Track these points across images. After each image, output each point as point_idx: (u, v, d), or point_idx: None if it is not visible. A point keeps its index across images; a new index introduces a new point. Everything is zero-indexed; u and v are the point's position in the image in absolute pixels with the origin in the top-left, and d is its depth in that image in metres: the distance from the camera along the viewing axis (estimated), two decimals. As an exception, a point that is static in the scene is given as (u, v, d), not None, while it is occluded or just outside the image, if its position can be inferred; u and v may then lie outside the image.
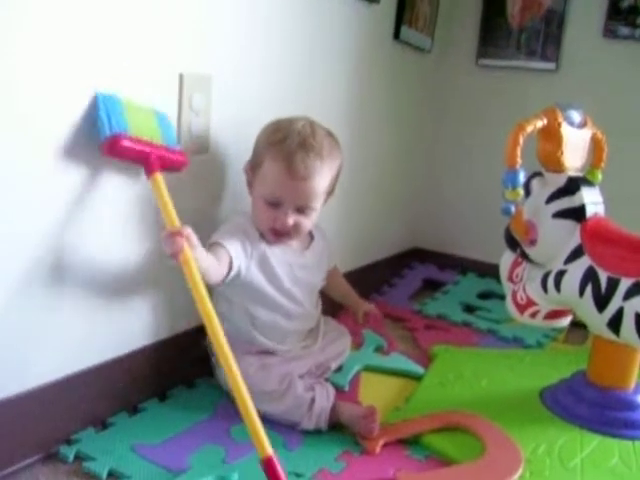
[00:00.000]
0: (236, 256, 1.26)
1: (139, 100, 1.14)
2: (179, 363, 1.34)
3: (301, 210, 1.31)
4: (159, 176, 1.12)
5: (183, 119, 1.24)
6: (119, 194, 1.16)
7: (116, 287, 1.19)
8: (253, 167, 1.34)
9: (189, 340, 1.34)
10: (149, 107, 1.17)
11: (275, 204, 1.29)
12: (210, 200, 1.37)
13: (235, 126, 1.38)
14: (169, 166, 1.17)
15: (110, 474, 1.06)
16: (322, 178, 1.31)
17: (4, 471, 1.04)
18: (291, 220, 1.30)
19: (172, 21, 1.18)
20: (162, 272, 1.26)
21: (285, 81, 1.52)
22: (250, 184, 1.36)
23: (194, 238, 1.08)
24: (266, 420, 1.21)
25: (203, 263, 1.12)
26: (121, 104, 1.10)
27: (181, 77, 1.22)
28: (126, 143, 1.07)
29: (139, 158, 1.11)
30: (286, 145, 1.27)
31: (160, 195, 1.11)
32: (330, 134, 1.36)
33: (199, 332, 1.34)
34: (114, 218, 1.16)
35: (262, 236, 1.34)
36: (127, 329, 1.24)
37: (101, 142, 1.06)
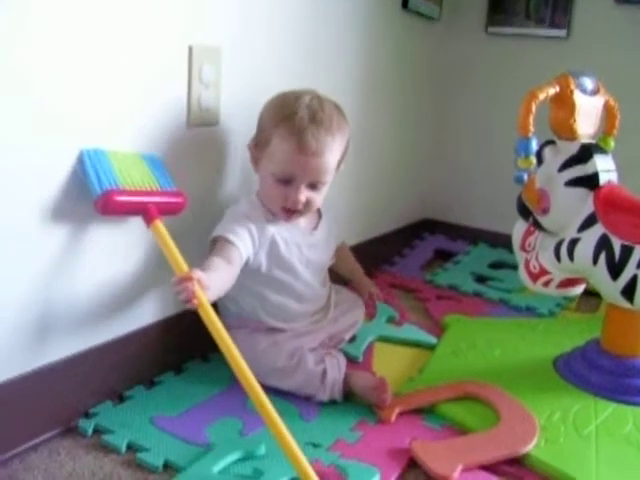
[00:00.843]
0: (245, 250, 1.25)
1: (149, 77, 1.14)
2: (194, 337, 1.34)
3: (313, 186, 1.30)
4: (159, 223, 1.10)
5: (193, 92, 1.23)
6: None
7: (128, 263, 1.20)
8: (259, 144, 1.31)
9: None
10: (135, 153, 1.15)
11: (286, 181, 1.28)
12: (220, 172, 1.37)
13: (244, 98, 1.37)
14: (168, 211, 1.15)
15: (129, 447, 1.07)
16: (333, 153, 1.30)
17: (25, 445, 1.05)
18: (303, 197, 1.28)
19: (180, -7, 1.17)
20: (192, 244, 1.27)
21: (293, 52, 1.50)
22: (256, 161, 1.34)
23: (205, 279, 1.06)
24: (281, 393, 1.22)
25: (221, 285, 1.15)
26: (108, 157, 1.07)
27: (190, 49, 1.21)
28: (120, 198, 1.05)
29: (136, 210, 1.09)
30: (296, 121, 1.25)
31: (164, 243, 1.09)
32: (337, 107, 1.34)
33: (214, 305, 1.36)
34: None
35: (269, 217, 1.33)
36: (142, 304, 1.24)
37: (94, 201, 1.04)
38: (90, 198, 1.05)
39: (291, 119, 1.25)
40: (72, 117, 1.03)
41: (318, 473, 0.96)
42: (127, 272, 1.20)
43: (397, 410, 1.22)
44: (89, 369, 1.15)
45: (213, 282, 1.09)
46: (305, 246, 1.38)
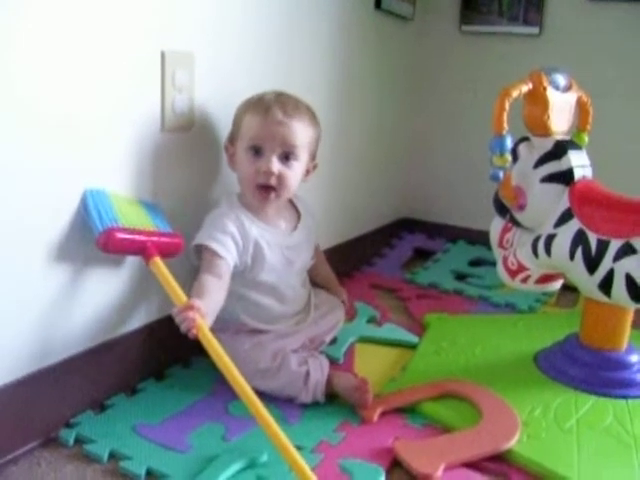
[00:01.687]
0: (232, 258, 1.27)
1: (122, 84, 1.13)
2: (174, 343, 1.33)
3: (284, 158, 1.31)
4: (158, 260, 1.14)
5: (166, 97, 1.23)
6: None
7: (107, 269, 1.19)
8: (233, 137, 1.35)
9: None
10: (136, 199, 1.21)
11: (257, 150, 1.30)
12: (197, 177, 1.36)
13: (218, 102, 1.36)
14: (166, 251, 1.18)
15: (111, 455, 1.06)
16: (301, 127, 1.32)
17: (5, 457, 1.04)
18: (275, 167, 1.29)
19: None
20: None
21: (266, 55, 1.50)
22: (232, 157, 1.35)
23: (203, 307, 1.10)
24: (264, 395, 1.22)
25: (216, 306, 1.20)
26: (109, 198, 1.13)
27: (163, 55, 1.21)
28: (121, 235, 1.09)
29: (136, 248, 1.13)
30: (264, 101, 1.31)
31: (164, 278, 1.13)
32: (307, 104, 1.38)
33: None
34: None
35: (250, 217, 1.33)
36: (122, 312, 1.23)
37: (95, 238, 1.08)
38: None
39: (258, 100, 1.32)
40: (46, 125, 1.03)
41: (322, 475, 0.96)
42: (109, 282, 1.19)
43: (379, 410, 1.22)
44: (69, 378, 1.13)
45: (211, 307, 1.16)
46: (286, 247, 1.38)
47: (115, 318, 1.22)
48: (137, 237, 1.12)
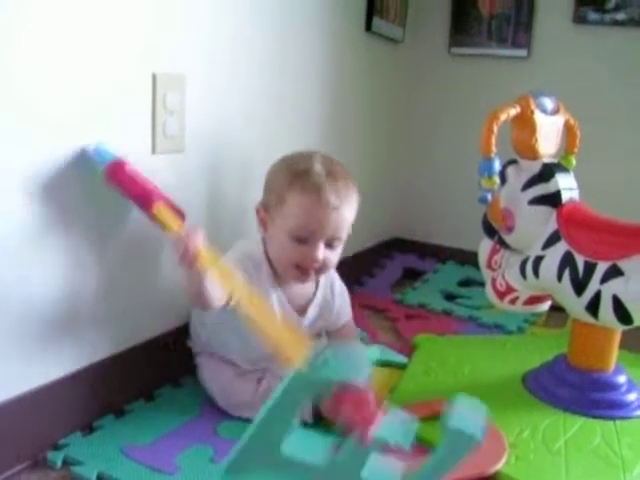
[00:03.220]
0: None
1: (113, 106, 1.14)
2: (165, 362, 1.34)
3: (330, 243, 1.26)
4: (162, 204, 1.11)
5: (157, 119, 1.24)
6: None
7: (97, 290, 1.19)
8: (270, 206, 1.27)
9: (173, 340, 1.34)
10: None
11: (304, 239, 1.23)
12: (189, 200, 1.36)
13: (210, 125, 1.37)
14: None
15: (99, 478, 1.06)
16: (350, 206, 1.27)
17: (-8, 481, 1.04)
18: (321, 254, 1.24)
19: (143, 21, 1.17)
20: (145, 273, 1.27)
21: (258, 79, 1.51)
22: (265, 224, 1.29)
23: (202, 235, 1.05)
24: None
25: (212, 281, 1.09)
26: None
27: (154, 77, 1.22)
28: (129, 167, 1.09)
29: (141, 190, 1.11)
30: (313, 176, 1.23)
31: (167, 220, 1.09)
32: (347, 170, 1.32)
33: (182, 332, 1.36)
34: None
35: (274, 281, 1.28)
36: (110, 332, 1.23)
37: (104, 169, 1.08)
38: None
39: (306, 175, 1.23)
40: (28, 138, 1.03)
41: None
42: (90, 301, 1.19)
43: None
44: (57, 400, 1.13)
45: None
46: (298, 310, 1.34)
47: (104, 339, 1.22)
48: (143, 180, 1.11)
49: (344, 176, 1.27)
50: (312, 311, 1.37)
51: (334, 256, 1.28)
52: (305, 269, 1.26)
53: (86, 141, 1.10)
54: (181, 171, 1.32)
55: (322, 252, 1.24)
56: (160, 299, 1.31)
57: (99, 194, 1.13)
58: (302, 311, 1.35)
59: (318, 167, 1.24)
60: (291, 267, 1.26)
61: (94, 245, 1.15)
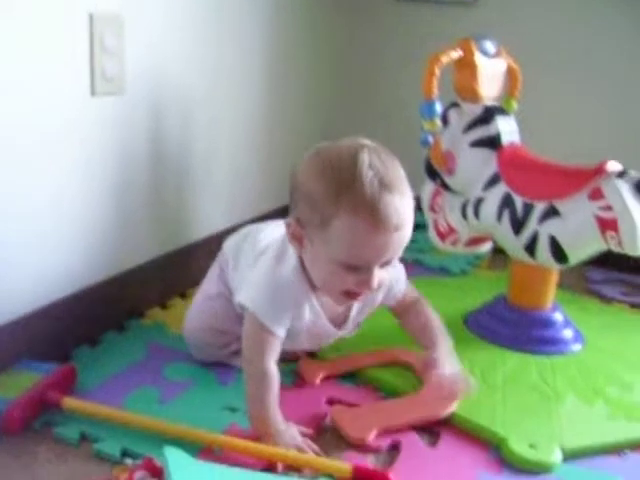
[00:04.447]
0: (281, 338, 1.08)
1: (49, 48, 1.11)
2: (108, 307, 1.34)
3: (386, 265, 1.03)
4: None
5: (95, 61, 1.21)
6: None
7: (40, 231, 1.18)
8: (306, 223, 1.01)
9: (116, 286, 1.35)
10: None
11: (358, 267, 1.00)
12: (130, 140, 1.35)
13: (150, 67, 1.35)
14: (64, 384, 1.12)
15: (43, 424, 1.06)
16: (411, 218, 1.02)
17: None
18: (377, 281, 1.02)
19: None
20: (95, 218, 1.26)
21: (195, 19, 1.47)
22: (300, 240, 1.04)
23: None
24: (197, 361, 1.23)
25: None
26: None
27: (91, 17, 1.19)
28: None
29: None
30: (365, 187, 0.96)
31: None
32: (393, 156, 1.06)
33: (126, 277, 1.36)
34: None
35: (311, 294, 1.10)
36: (51, 279, 1.22)
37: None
38: None
39: (355, 186, 0.96)
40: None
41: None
42: (35, 244, 1.18)
43: (322, 375, 1.23)
44: (2, 345, 1.12)
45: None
46: (329, 334, 1.20)
47: (48, 285, 1.21)
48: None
49: (399, 178, 1.01)
50: (351, 320, 1.21)
51: (387, 274, 1.07)
52: (355, 294, 1.06)
53: (24, 83, 1.08)
54: (122, 113, 1.30)
55: (378, 278, 1.02)
56: (101, 246, 1.31)
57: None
58: (338, 317, 1.18)
59: (368, 173, 0.96)
60: (338, 293, 1.06)
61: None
